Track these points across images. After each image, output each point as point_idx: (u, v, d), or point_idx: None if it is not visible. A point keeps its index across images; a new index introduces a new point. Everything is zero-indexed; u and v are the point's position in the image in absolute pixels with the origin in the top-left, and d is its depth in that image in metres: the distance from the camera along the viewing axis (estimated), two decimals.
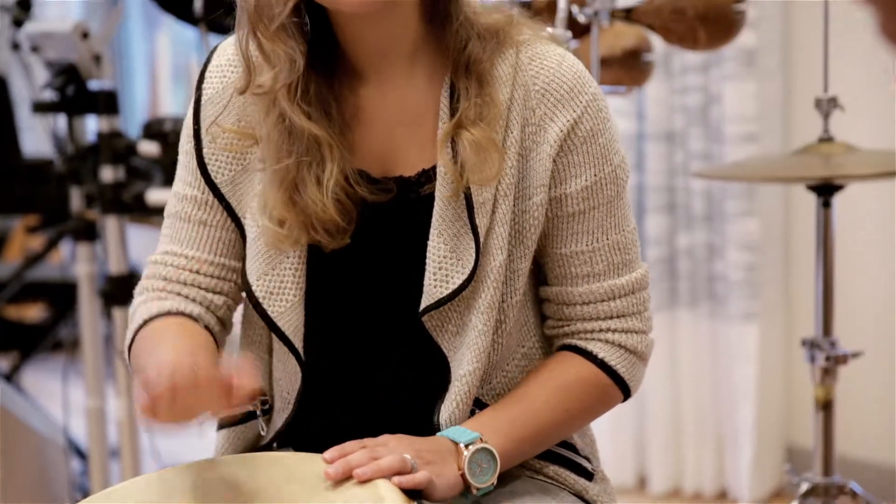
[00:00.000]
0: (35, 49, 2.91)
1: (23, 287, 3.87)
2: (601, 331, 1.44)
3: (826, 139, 2.08)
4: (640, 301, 1.45)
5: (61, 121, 2.91)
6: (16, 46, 3.08)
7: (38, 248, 3.72)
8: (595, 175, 1.40)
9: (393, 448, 1.31)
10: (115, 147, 2.73)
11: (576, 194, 1.40)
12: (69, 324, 4.06)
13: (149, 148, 2.72)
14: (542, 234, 1.42)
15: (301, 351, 1.42)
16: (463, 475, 1.33)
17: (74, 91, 2.80)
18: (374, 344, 1.44)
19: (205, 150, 1.44)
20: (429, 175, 1.39)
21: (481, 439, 1.34)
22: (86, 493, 3.04)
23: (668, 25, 2.03)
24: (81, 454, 3.26)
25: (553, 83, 1.38)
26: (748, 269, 3.15)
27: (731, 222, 3.15)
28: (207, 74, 1.45)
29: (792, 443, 3.27)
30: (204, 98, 1.44)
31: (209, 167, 1.44)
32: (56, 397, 3.13)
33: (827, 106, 2.07)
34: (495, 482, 1.35)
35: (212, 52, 1.47)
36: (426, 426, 1.39)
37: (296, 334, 1.42)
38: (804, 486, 2.12)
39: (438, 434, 1.36)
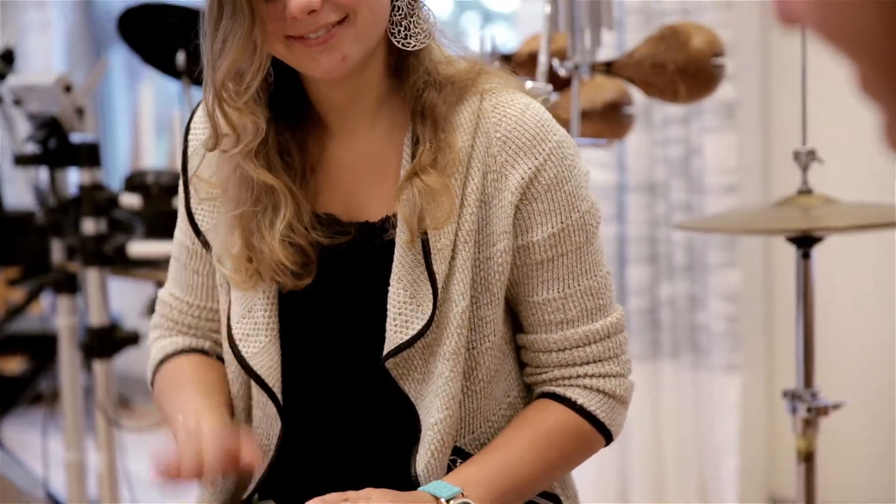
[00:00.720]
0: (17, 102, 2.91)
1: (3, 339, 3.85)
2: (578, 376, 1.44)
3: (805, 191, 2.09)
4: (616, 345, 1.45)
5: (43, 173, 2.91)
6: None
7: (19, 300, 3.71)
8: (562, 223, 1.40)
9: (376, 501, 1.31)
10: (96, 199, 2.73)
11: (542, 242, 1.40)
12: (49, 376, 4.03)
13: (131, 200, 2.73)
14: (512, 281, 1.42)
15: (279, 395, 1.43)
16: None
17: (56, 143, 2.80)
18: (344, 389, 1.45)
19: (192, 201, 1.48)
20: (392, 221, 1.40)
21: (462, 494, 1.34)
22: None
23: (648, 79, 2.05)
24: None
25: (515, 131, 1.39)
26: (730, 320, 3.15)
27: (713, 273, 3.15)
28: (192, 126, 1.49)
29: (775, 494, 3.26)
30: (190, 150, 1.48)
31: (196, 217, 1.48)
32: (35, 450, 3.11)
33: (805, 158, 2.08)
34: None
35: (198, 105, 1.49)
36: (404, 476, 1.39)
37: (270, 376, 1.42)
38: None
39: (420, 489, 1.36)
